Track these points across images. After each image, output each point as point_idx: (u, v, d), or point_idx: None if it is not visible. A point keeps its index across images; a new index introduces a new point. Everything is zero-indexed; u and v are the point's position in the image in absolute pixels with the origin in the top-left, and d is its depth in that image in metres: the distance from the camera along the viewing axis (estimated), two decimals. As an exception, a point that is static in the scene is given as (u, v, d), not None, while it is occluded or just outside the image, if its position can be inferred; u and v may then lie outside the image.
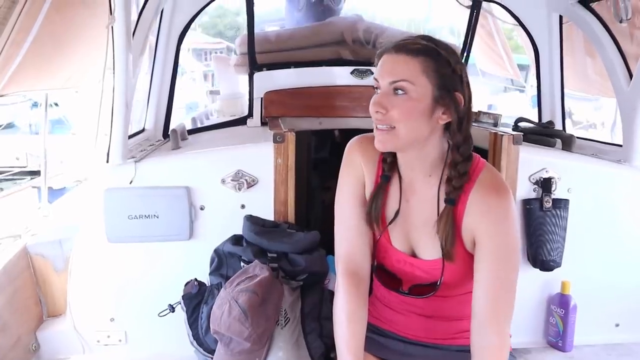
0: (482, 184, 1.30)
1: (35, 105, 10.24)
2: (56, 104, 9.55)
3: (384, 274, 1.45)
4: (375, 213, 1.38)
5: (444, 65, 1.24)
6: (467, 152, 1.29)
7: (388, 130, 1.25)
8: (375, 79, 1.27)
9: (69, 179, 6.06)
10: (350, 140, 1.45)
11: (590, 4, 2.31)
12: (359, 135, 1.45)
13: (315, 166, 2.85)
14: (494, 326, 1.23)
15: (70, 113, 10.02)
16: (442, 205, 1.32)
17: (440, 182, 1.33)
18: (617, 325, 2.12)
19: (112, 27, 1.71)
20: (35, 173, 8.13)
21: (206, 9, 2.59)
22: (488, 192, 1.29)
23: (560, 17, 2.60)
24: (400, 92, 1.23)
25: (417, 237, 1.38)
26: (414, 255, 1.39)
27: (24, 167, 8.81)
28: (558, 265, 1.99)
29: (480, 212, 1.29)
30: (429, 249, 1.36)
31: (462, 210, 1.31)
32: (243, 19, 2.57)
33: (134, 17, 1.96)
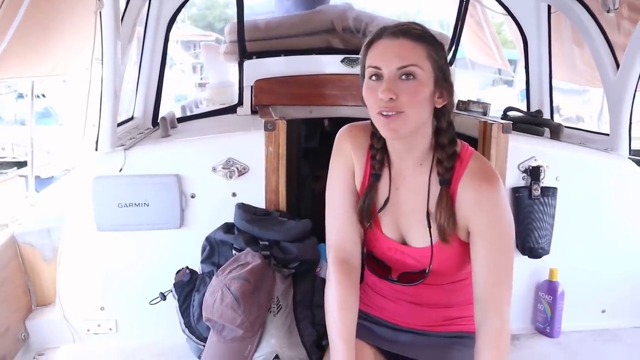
0: (472, 172, 1.32)
1: (20, 96, 10.13)
2: (43, 95, 9.46)
3: (373, 261, 1.47)
4: (367, 210, 1.39)
5: (440, 51, 1.27)
6: (451, 136, 1.33)
7: (397, 115, 1.23)
8: (376, 67, 1.25)
9: (57, 168, 6.00)
10: (341, 129, 1.46)
11: (579, -6, 2.32)
12: (349, 124, 1.47)
13: (305, 155, 2.85)
14: (495, 309, 1.28)
15: (57, 104, 9.93)
16: (435, 191, 1.34)
17: (431, 170, 1.35)
18: (603, 311, 2.15)
19: (99, 13, 1.69)
20: (21, 164, 8.06)
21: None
22: (479, 181, 1.31)
23: (549, 6, 2.62)
24: (410, 77, 1.23)
25: (407, 225, 1.39)
26: (404, 243, 1.40)
27: (4, 157, 8.73)
28: (546, 252, 2.02)
29: (473, 202, 1.31)
30: (419, 237, 1.37)
31: (453, 196, 1.32)
32: (232, 10, 2.55)
33: (122, 4, 1.94)
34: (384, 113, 1.24)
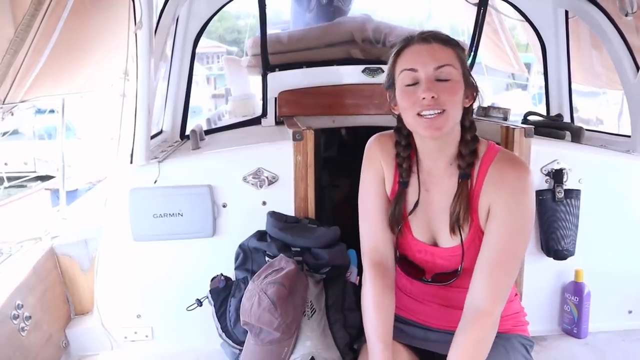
0: (499, 161, 1.37)
1: (39, 111, 10.34)
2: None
3: (406, 264, 1.51)
4: (397, 217, 1.44)
5: (464, 55, 1.36)
6: (473, 133, 1.39)
7: (439, 114, 1.29)
8: (412, 69, 1.31)
9: (81, 181, 6.13)
10: (370, 139, 1.52)
11: (596, -2, 2.36)
12: (378, 134, 1.52)
13: (323, 164, 2.90)
14: (490, 294, 1.31)
15: (74, 118, 10.11)
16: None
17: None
18: (630, 312, 2.16)
19: (135, 34, 1.76)
20: (44, 178, 8.22)
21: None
22: (504, 165, 1.36)
23: (566, 12, 2.65)
24: (444, 77, 1.29)
25: (438, 226, 1.43)
26: (434, 244, 1.45)
27: (33, 171, 8.91)
28: (571, 254, 2.04)
29: (496, 183, 1.35)
30: (449, 237, 1.41)
31: (479, 188, 1.37)
32: (244, 22, 2.62)
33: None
34: (425, 114, 1.29)
